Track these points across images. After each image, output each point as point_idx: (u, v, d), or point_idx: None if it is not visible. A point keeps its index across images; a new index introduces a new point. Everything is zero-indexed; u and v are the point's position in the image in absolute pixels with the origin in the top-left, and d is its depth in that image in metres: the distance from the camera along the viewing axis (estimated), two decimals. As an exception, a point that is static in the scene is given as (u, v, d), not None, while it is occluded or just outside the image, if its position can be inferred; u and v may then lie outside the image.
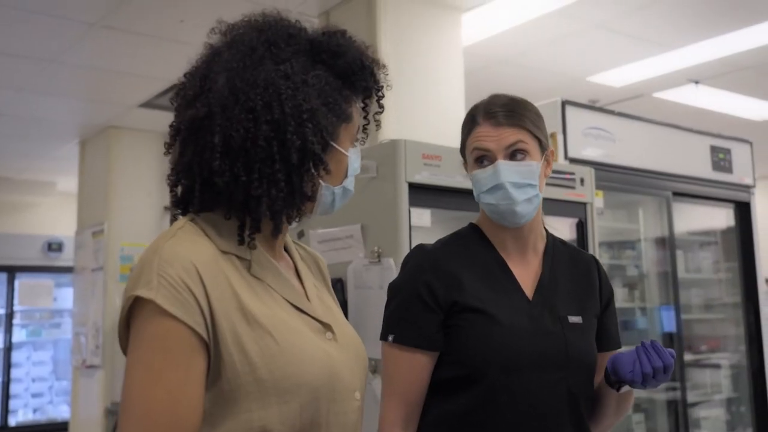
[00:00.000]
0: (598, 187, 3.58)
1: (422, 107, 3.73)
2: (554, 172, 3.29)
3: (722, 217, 4.77)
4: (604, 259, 4.27)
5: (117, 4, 3.90)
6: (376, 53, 1.29)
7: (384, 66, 1.29)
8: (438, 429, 1.54)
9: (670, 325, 4.21)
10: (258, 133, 1.12)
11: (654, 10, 4.29)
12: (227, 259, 1.14)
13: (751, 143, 4.74)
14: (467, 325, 1.52)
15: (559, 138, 3.54)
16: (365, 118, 1.30)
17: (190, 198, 1.19)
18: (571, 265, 1.68)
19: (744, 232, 4.65)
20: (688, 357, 4.51)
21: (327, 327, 1.20)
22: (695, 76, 5.42)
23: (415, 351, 1.54)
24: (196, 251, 1.10)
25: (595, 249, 3.42)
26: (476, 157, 1.58)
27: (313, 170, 1.16)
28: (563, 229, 3.53)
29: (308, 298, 1.23)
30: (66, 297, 8.38)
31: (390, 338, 1.55)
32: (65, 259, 8.41)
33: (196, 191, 1.16)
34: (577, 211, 3.37)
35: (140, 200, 6.14)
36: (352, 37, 1.26)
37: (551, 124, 3.68)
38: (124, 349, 1.09)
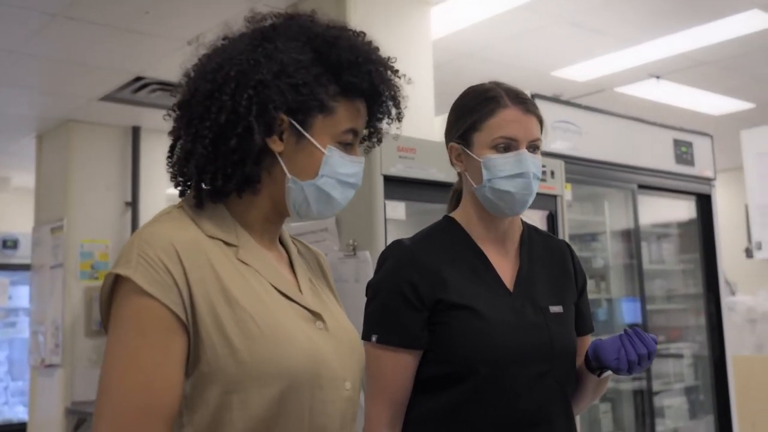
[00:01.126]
0: (566, 180, 3.62)
1: (392, 100, 3.72)
2: (525, 164, 3.32)
3: (684, 210, 4.86)
4: (570, 251, 4.32)
5: (80, -6, 3.82)
6: (390, 60, 1.23)
7: (398, 75, 1.24)
8: (424, 427, 1.53)
9: (634, 315, 4.28)
10: (200, 90, 1.15)
11: (616, 6, 4.35)
12: (214, 244, 1.13)
13: (711, 137, 4.84)
14: (453, 322, 1.50)
15: (529, 131, 3.56)
16: (371, 125, 1.26)
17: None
18: (547, 254, 1.67)
19: (705, 224, 4.74)
20: (664, 347, 4.60)
21: (317, 316, 1.19)
22: (656, 71, 5.52)
23: (399, 351, 1.51)
24: (178, 233, 1.10)
25: (565, 240, 3.46)
26: (499, 143, 1.52)
27: (245, 138, 1.13)
28: (534, 221, 3.56)
29: (300, 289, 1.22)
30: (21, 295, 8.19)
31: (373, 338, 1.52)
32: (21, 256, 8.20)
33: (167, 158, 1.21)
34: (548, 203, 3.40)
35: (100, 195, 6.02)
36: (363, 39, 1.22)
37: (520, 118, 3.70)
38: (106, 327, 1.09)
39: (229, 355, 1.06)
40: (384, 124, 1.27)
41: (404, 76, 1.27)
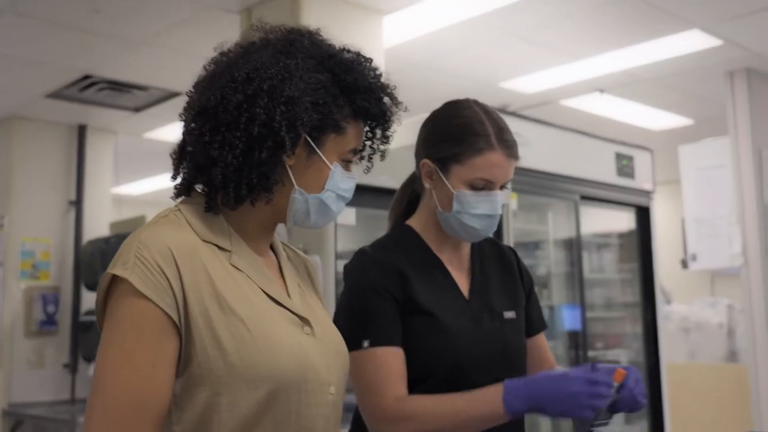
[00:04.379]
0: (512, 190, 3.71)
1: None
2: (473, 174, 3.40)
3: (625, 221, 5.02)
4: (514, 259, 4.42)
5: (29, -10, 3.77)
6: (393, 87, 1.31)
7: (398, 102, 1.31)
8: None
9: (575, 323, 4.40)
10: (231, 100, 1.18)
11: (562, 22, 4.48)
12: (208, 249, 1.17)
13: (651, 151, 5.00)
14: (416, 327, 1.55)
15: (477, 141, 3.65)
16: (371, 147, 1.33)
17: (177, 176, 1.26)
18: (496, 260, 1.74)
19: (643, 235, 4.90)
20: (593, 353, 4.73)
21: (305, 321, 1.23)
22: (600, 86, 5.68)
23: (392, 348, 1.54)
24: (174, 237, 1.14)
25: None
26: (477, 183, 1.55)
27: (275, 151, 1.18)
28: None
29: (289, 294, 1.26)
30: (-43, 294, 7.96)
31: (365, 344, 1.52)
32: (-43, 254, 8.00)
33: (175, 157, 1.23)
34: (494, 212, 3.48)
35: (43, 193, 5.91)
36: (373, 64, 1.30)
37: (469, 128, 3.79)
38: (101, 326, 1.12)
39: (220, 357, 1.10)
40: (377, 146, 1.34)
41: (402, 103, 1.34)
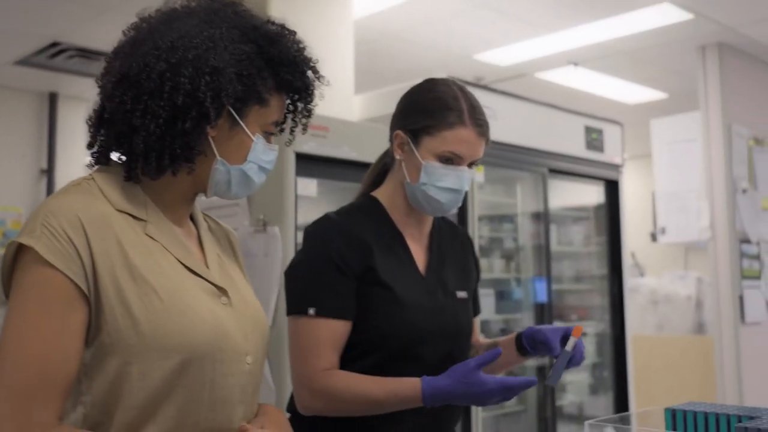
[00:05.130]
0: (479, 162, 3.72)
1: (311, 78, 3.74)
2: (438, 146, 3.40)
3: (595, 194, 5.04)
4: (483, 231, 4.45)
5: (-9, -46, 3.71)
6: (316, 61, 1.31)
7: (321, 75, 1.32)
8: None
9: (542, 295, 4.44)
10: (155, 68, 1.17)
11: (537, -7, 4.47)
12: (122, 218, 1.17)
13: (621, 125, 5.02)
14: (374, 299, 1.58)
15: (444, 113, 3.64)
16: (293, 120, 1.33)
17: (95, 143, 1.23)
18: (453, 242, 1.78)
19: (612, 209, 4.94)
20: (558, 325, 4.77)
21: (222, 291, 1.23)
22: (575, 59, 5.68)
23: (338, 321, 1.55)
24: (84, 206, 1.13)
25: (474, 221, 3.57)
26: (447, 156, 1.59)
27: (198, 122, 1.17)
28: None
29: (207, 265, 1.26)
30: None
31: (311, 311, 1.54)
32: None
33: (92, 125, 1.22)
34: (459, 184, 3.50)
35: (14, 162, 5.87)
36: (297, 37, 1.30)
37: (436, 100, 3.78)
38: (7, 295, 1.11)
39: (131, 326, 1.09)
40: (299, 119, 1.34)
41: (325, 77, 1.34)
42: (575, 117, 4.66)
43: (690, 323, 5.96)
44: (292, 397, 1.65)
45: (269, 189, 2.86)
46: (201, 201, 3.19)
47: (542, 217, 4.45)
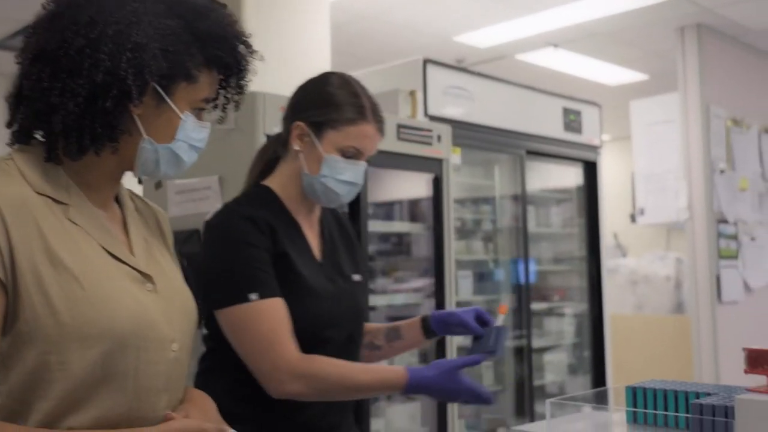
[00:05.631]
0: (456, 144, 3.73)
1: (286, 60, 3.73)
2: (412, 128, 3.40)
3: (576, 176, 5.06)
4: (462, 213, 4.47)
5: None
6: (248, 35, 1.28)
7: (253, 50, 1.29)
8: (227, 372, 1.63)
9: (521, 276, 4.47)
10: (73, 44, 1.12)
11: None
12: (42, 202, 1.12)
13: (600, 106, 5.03)
14: (285, 285, 1.60)
15: (420, 96, 3.65)
16: (225, 97, 1.29)
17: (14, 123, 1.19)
18: (339, 227, 1.83)
19: (590, 190, 4.96)
20: (540, 306, 4.83)
21: (147, 278, 1.20)
22: (554, 40, 5.68)
23: (280, 299, 1.58)
24: (3, 190, 1.09)
25: (450, 203, 3.58)
26: (349, 151, 1.65)
27: (120, 100, 1.13)
28: (420, 184, 3.66)
29: (132, 250, 1.22)
30: None
31: (253, 297, 1.55)
32: None
33: (11, 102, 1.17)
34: (434, 166, 3.51)
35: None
36: (227, 11, 1.26)
37: (412, 82, 3.78)
38: None
39: (49, 315, 1.06)
40: (231, 95, 1.30)
41: (257, 52, 1.31)
42: (553, 98, 4.67)
43: (669, 303, 6.01)
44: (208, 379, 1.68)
45: (241, 172, 2.85)
46: (175, 184, 3.14)
47: (520, 199, 4.47)
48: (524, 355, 4.39)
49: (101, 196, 1.22)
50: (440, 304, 3.52)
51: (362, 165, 1.68)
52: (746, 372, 1.52)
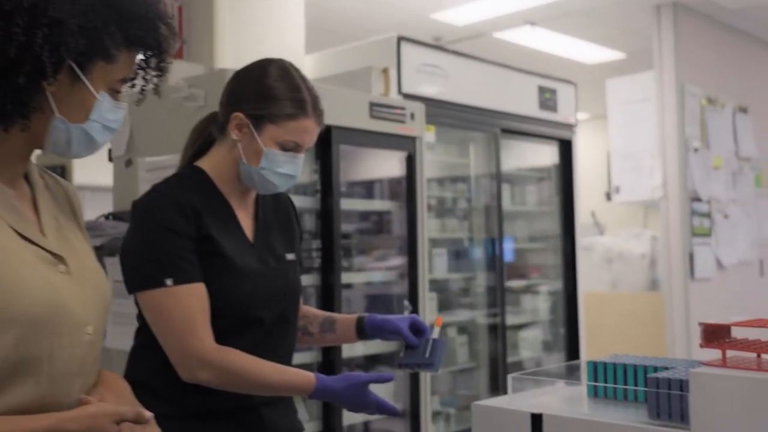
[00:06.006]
0: (430, 123, 3.73)
1: (259, 37, 3.71)
2: (385, 106, 3.40)
3: (552, 155, 5.08)
4: (436, 191, 4.48)
5: None
6: (171, 17, 1.25)
7: (175, 32, 1.26)
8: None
9: (496, 254, 4.49)
10: None
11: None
12: None
13: (575, 84, 5.04)
14: (209, 268, 1.61)
15: (393, 73, 3.64)
16: (144, 78, 1.26)
17: None
18: (276, 208, 1.83)
19: (566, 169, 4.99)
20: (515, 284, 4.87)
21: (59, 259, 1.17)
22: (532, 18, 5.67)
23: (198, 284, 1.59)
24: None
25: (423, 181, 3.59)
26: (288, 145, 1.65)
27: (34, 77, 1.09)
28: (393, 162, 3.67)
29: (43, 230, 1.19)
30: None
31: (168, 282, 1.55)
32: None
33: None
34: (407, 144, 3.51)
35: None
36: None
37: (386, 60, 3.77)
38: None
39: None
40: (150, 77, 1.27)
41: (178, 35, 1.30)
42: (528, 77, 4.67)
43: (643, 281, 6.07)
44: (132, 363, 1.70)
45: (212, 150, 2.85)
46: (145, 162, 3.12)
47: (494, 177, 4.49)
48: (498, 332, 4.43)
49: (9, 173, 1.17)
50: (413, 282, 3.54)
51: (301, 157, 1.69)
52: (701, 346, 1.55)
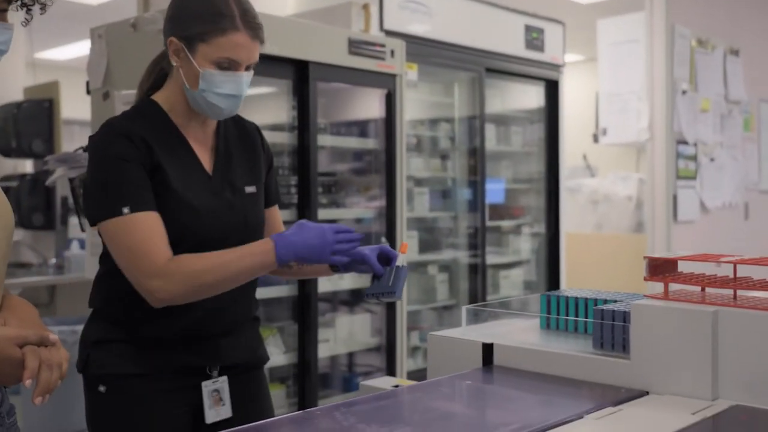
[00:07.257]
0: (413, 61, 3.72)
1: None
2: (365, 43, 3.38)
3: (539, 96, 5.05)
4: (421, 131, 4.48)
5: None
6: None
7: None
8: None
9: (476, 195, 4.52)
10: None
11: None
12: None
13: (563, 24, 4.99)
14: (161, 202, 1.62)
15: (374, 9, 3.61)
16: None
17: None
18: (240, 137, 1.82)
19: (551, 109, 4.97)
20: (499, 224, 4.91)
21: None
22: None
23: (154, 212, 1.60)
24: None
25: (402, 120, 3.59)
26: (223, 62, 1.61)
27: None
28: (372, 99, 3.66)
29: None
30: None
31: (125, 210, 1.57)
32: None
33: None
34: (387, 82, 3.50)
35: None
36: None
37: (368, -5, 3.73)
38: None
39: None
40: None
41: None
42: (515, 15, 4.62)
43: (629, 223, 6.11)
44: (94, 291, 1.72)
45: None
46: (122, 94, 3.10)
47: (478, 118, 4.48)
48: (479, 271, 4.49)
49: None
50: (391, 219, 3.57)
51: (242, 75, 1.64)
52: (645, 279, 1.59)
